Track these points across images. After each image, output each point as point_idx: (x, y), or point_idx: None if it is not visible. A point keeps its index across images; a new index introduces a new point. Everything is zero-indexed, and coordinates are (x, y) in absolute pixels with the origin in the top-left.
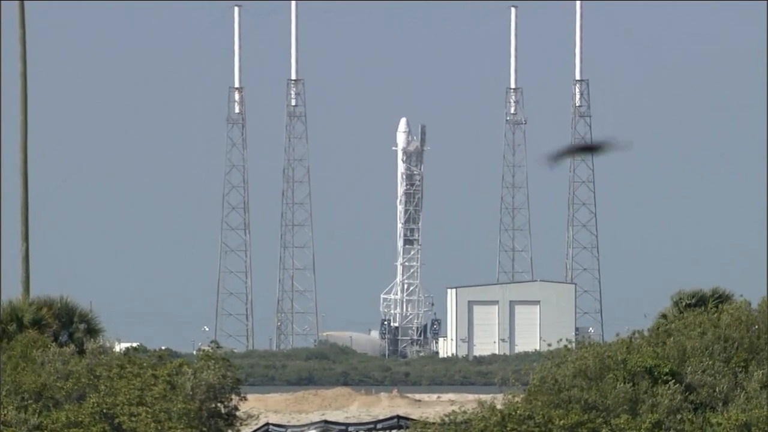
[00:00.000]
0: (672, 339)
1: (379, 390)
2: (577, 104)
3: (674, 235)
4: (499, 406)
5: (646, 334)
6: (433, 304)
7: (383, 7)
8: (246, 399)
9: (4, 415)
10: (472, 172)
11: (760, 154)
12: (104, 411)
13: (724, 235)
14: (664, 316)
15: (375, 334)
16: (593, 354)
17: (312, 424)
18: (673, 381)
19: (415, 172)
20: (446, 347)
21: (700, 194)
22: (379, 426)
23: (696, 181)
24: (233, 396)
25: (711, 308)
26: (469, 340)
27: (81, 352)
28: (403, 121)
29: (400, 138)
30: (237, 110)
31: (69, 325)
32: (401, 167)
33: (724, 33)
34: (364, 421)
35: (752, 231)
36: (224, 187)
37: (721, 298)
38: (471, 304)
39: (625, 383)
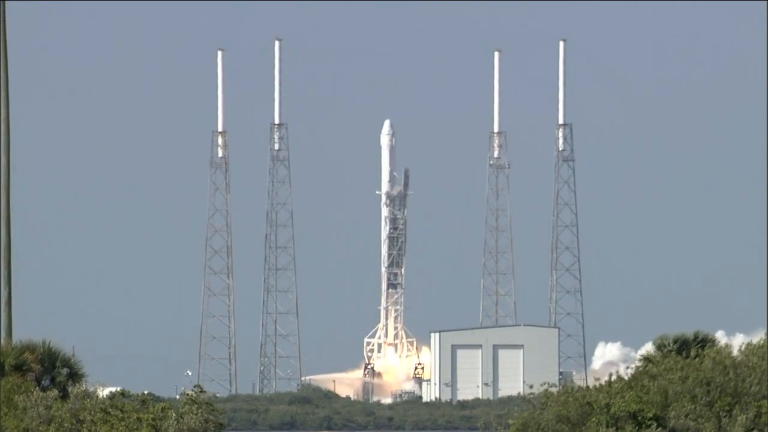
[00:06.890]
0: (655, 383)
1: None
2: (560, 148)
3: (659, 278)
4: None
5: (625, 378)
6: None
7: (366, 50)
8: None
9: None
10: (456, 216)
11: (751, 197)
12: None
13: (711, 278)
14: (647, 359)
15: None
16: (575, 399)
17: None
18: (657, 425)
19: (398, 216)
20: (430, 391)
21: (685, 238)
22: None
23: (681, 225)
24: None
25: (693, 352)
26: (453, 384)
27: (64, 396)
28: (385, 164)
29: (384, 180)
30: (220, 154)
31: (51, 369)
32: (384, 211)
33: (710, 77)
34: None
35: (740, 276)
36: (207, 231)
37: (703, 342)
38: (454, 348)
39: (608, 427)
